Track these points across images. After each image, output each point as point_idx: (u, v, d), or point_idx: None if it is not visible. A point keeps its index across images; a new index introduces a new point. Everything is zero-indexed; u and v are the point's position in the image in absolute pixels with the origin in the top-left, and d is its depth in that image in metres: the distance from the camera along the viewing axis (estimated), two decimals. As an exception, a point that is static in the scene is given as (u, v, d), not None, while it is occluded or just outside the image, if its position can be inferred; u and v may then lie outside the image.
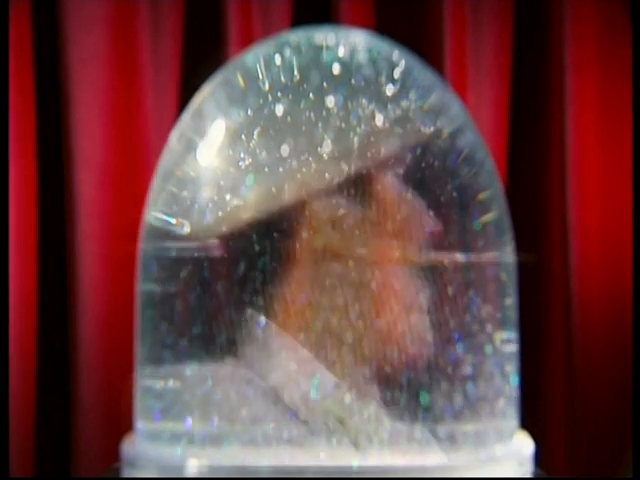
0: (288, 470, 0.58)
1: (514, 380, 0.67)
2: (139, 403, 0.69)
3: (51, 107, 1.21)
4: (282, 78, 0.66)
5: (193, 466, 0.61)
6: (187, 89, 1.22)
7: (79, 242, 1.20)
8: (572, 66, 1.24)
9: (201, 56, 1.22)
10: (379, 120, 0.65)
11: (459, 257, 0.66)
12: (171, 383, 0.67)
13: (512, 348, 0.67)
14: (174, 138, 0.72)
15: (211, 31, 1.22)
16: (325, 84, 0.65)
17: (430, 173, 0.66)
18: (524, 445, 0.66)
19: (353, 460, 0.60)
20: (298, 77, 0.65)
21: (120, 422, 1.05)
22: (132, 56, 1.21)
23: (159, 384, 0.68)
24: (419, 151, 0.65)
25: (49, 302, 1.20)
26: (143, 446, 0.65)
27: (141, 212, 1.17)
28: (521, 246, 1.20)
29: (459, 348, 0.64)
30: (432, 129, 0.66)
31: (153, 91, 1.22)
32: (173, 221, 0.69)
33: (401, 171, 0.66)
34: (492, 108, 1.25)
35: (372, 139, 0.65)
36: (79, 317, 1.18)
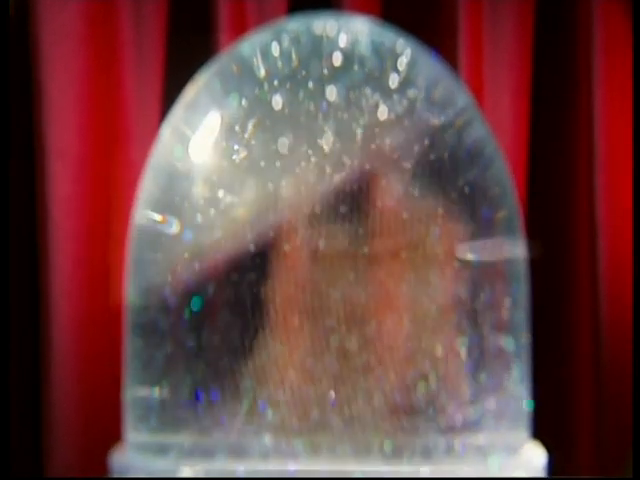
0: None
1: (524, 388, 0.77)
2: (129, 414, 0.78)
3: (19, 92, 1.25)
4: (280, 68, 0.74)
5: (186, 475, 0.69)
6: (173, 73, 1.29)
7: (52, 243, 1.26)
8: (601, 46, 1.32)
9: (189, 38, 1.28)
10: (382, 113, 0.73)
11: (468, 256, 0.75)
12: (163, 393, 0.76)
13: (522, 354, 0.76)
14: (166, 132, 0.80)
15: (200, 13, 1.28)
16: (325, 75, 0.73)
17: (433, 168, 0.74)
18: (534, 456, 0.75)
19: (354, 468, 0.68)
20: (297, 67, 0.74)
21: (99, 436, 1.15)
22: (111, 34, 1.27)
23: (150, 394, 0.77)
24: (422, 145, 0.74)
25: (18, 310, 1.25)
26: (133, 458, 0.74)
27: (122, 210, 1.25)
28: (544, 245, 1.29)
29: (464, 352, 0.74)
30: (436, 123, 0.75)
31: (135, 74, 1.28)
32: (169, 223, 0.77)
33: (405, 166, 0.74)
34: (512, 94, 1.33)
35: (375, 133, 0.73)
36: (52, 327, 1.24)
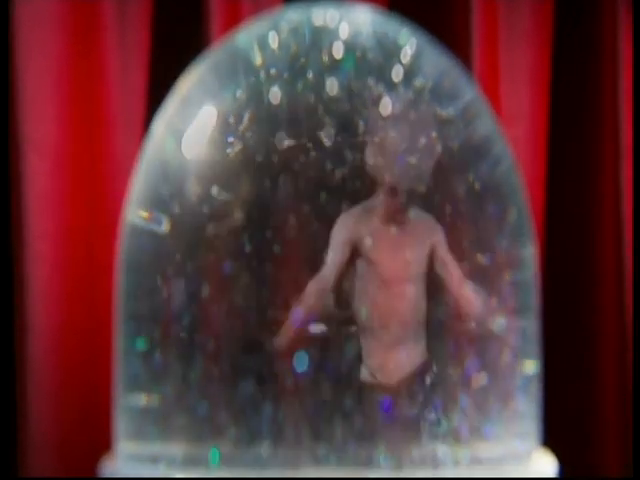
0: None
1: (534, 398, 0.84)
2: (119, 423, 0.84)
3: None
4: (278, 61, 0.80)
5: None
6: (160, 58, 1.32)
7: (27, 244, 1.30)
8: (627, 29, 1.37)
9: (177, 22, 1.33)
10: (384, 105, 0.80)
11: (476, 257, 0.83)
12: (153, 403, 0.83)
13: (531, 366, 0.84)
14: (159, 127, 0.85)
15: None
16: (325, 67, 0.79)
17: (439, 163, 0.81)
18: (543, 465, 0.82)
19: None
20: (296, 60, 0.80)
21: (77, 448, 1.24)
22: (92, 16, 1.31)
23: (141, 404, 0.83)
24: (428, 139, 0.81)
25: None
26: (124, 466, 0.81)
27: (105, 207, 1.28)
28: (568, 243, 1.34)
29: (472, 359, 0.81)
30: (442, 116, 0.82)
31: (119, 59, 1.32)
32: (162, 221, 0.82)
33: (408, 159, 0.82)
34: (530, 80, 1.41)
35: (377, 126, 0.81)
36: (27, 332, 1.28)
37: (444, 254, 0.85)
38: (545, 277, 1.31)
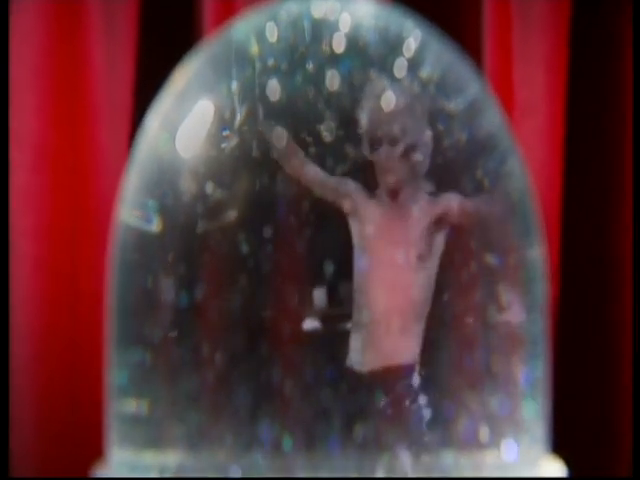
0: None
1: (541, 403, 0.89)
2: (112, 431, 0.89)
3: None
4: (277, 53, 0.86)
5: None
6: (148, 45, 1.36)
7: (8, 242, 1.33)
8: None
9: (165, 9, 1.37)
10: (386, 101, 0.86)
11: (481, 257, 0.88)
12: (146, 410, 0.88)
13: (539, 369, 0.90)
14: (154, 121, 0.90)
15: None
16: (325, 61, 0.84)
17: (444, 158, 0.86)
18: (551, 471, 0.88)
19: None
20: (295, 53, 0.85)
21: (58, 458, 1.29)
22: (76, 2, 1.36)
23: (134, 411, 0.88)
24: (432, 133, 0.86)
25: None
26: (116, 474, 0.87)
27: (90, 203, 1.31)
28: (585, 240, 1.41)
29: (478, 362, 0.87)
30: (446, 110, 0.87)
31: (104, 48, 1.36)
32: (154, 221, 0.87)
33: (410, 154, 0.87)
34: (546, 68, 1.44)
35: (379, 121, 0.86)
36: (10, 337, 1.31)
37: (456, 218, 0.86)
38: (561, 276, 1.38)
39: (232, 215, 0.85)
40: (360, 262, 0.86)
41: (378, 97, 0.86)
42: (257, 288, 0.85)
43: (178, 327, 0.86)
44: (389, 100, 0.86)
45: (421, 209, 0.87)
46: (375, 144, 0.86)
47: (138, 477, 0.86)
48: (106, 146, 1.38)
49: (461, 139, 0.87)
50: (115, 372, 0.90)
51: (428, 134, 0.86)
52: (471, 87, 0.90)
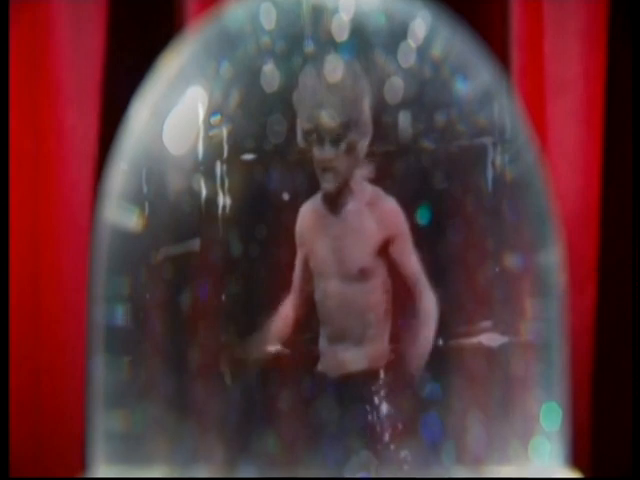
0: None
1: (554, 416, 0.89)
2: (95, 446, 0.90)
3: None
4: (273, 39, 0.82)
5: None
6: (119, 13, 1.28)
7: None
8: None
9: None
10: (392, 90, 0.83)
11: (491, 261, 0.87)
12: (130, 425, 0.87)
13: (552, 372, 0.88)
14: (141, 111, 0.88)
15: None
16: (325, 46, 0.81)
17: (447, 152, 0.85)
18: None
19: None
20: (292, 38, 0.82)
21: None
22: None
23: (117, 426, 0.88)
24: (435, 127, 0.85)
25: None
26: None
27: (50, 195, 1.24)
28: (627, 235, 1.29)
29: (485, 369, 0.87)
30: (456, 100, 0.85)
31: (69, 11, 1.26)
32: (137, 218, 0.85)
33: (416, 146, 0.85)
34: (582, 40, 1.35)
35: (384, 110, 0.85)
36: None
37: (399, 254, 0.88)
38: (598, 279, 1.35)
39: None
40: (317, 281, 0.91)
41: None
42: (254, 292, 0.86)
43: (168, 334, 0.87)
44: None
45: (366, 229, 0.89)
46: (316, 141, 0.88)
47: (138, 477, 0.88)
48: (70, 129, 1.30)
49: (468, 130, 0.86)
50: (96, 384, 0.90)
51: (367, 114, 0.86)
52: (482, 74, 0.88)
